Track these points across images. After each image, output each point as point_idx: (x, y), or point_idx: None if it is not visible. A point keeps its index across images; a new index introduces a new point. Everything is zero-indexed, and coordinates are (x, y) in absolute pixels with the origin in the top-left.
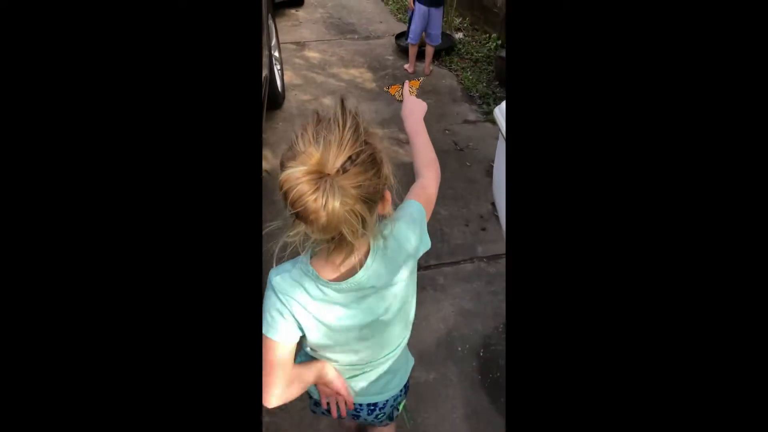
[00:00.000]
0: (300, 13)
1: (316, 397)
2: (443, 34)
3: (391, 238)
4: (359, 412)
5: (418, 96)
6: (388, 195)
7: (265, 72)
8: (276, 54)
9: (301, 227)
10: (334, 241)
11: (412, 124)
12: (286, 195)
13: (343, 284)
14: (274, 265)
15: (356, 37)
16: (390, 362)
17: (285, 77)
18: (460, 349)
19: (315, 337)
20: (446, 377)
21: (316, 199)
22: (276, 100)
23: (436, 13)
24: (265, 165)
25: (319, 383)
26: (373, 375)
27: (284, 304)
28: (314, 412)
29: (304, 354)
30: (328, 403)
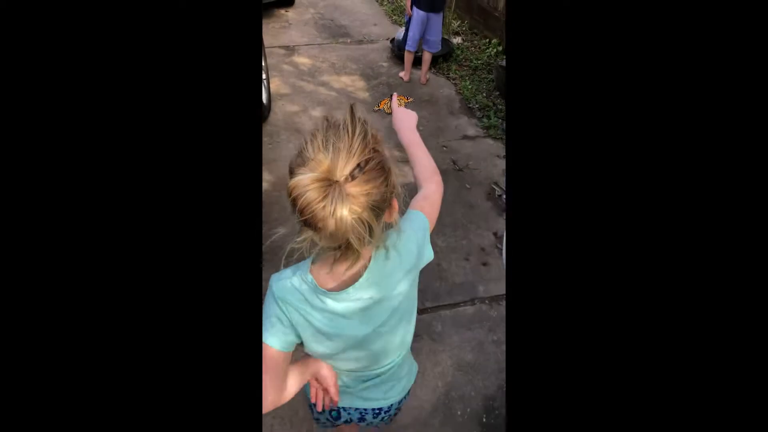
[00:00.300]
0: (289, 14)
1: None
2: (445, 40)
3: (393, 249)
4: (364, 415)
5: (413, 107)
6: (395, 203)
7: None
8: (262, 62)
9: (309, 234)
10: (341, 249)
11: (406, 135)
12: (294, 202)
13: (342, 294)
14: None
15: (349, 41)
16: (393, 370)
17: (272, 85)
18: (459, 413)
19: (313, 346)
20: None
21: (324, 207)
22: (261, 112)
23: (436, 19)
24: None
25: (312, 378)
26: (376, 381)
27: (283, 312)
28: (317, 420)
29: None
30: (324, 410)
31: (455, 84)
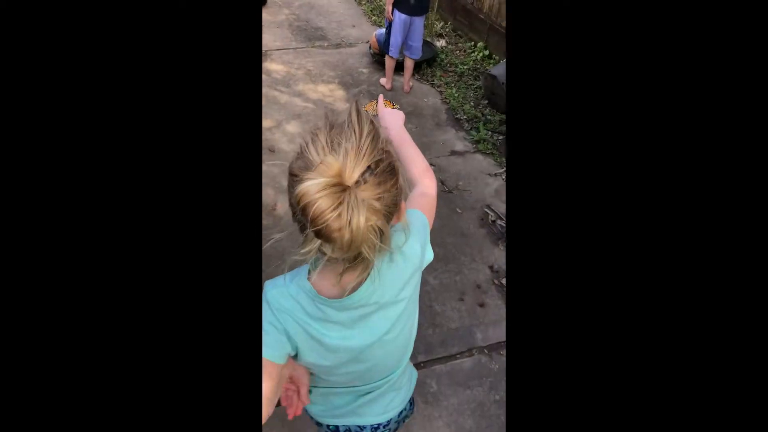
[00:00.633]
0: (263, 14)
1: (320, 420)
2: (424, 42)
3: (398, 252)
4: (363, 431)
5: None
6: (402, 205)
7: None
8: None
9: (315, 244)
10: (350, 259)
11: (396, 134)
12: (304, 210)
13: (345, 301)
14: None
15: (326, 44)
16: (393, 381)
17: None
18: None
19: (311, 358)
20: None
21: (340, 215)
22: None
23: (419, 23)
24: None
25: (285, 381)
26: (375, 395)
27: (279, 321)
28: None
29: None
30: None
31: (440, 92)
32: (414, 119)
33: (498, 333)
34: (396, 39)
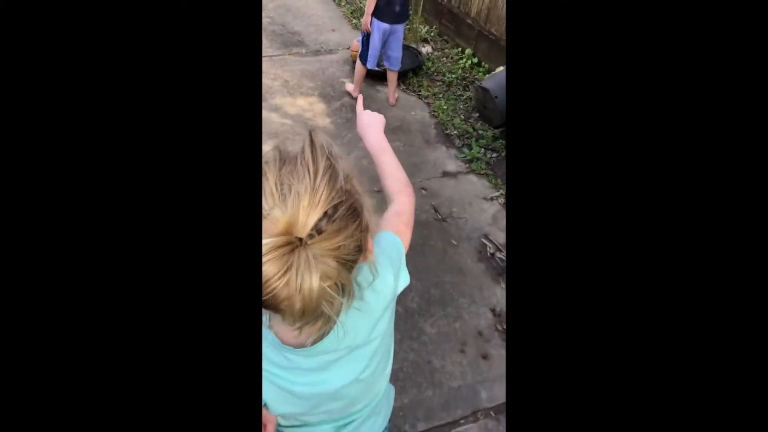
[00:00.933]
0: None
1: None
2: (408, 48)
3: (368, 289)
4: None
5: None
6: (369, 244)
7: None
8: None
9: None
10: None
11: (373, 141)
12: None
13: (311, 350)
14: None
15: (304, 51)
16: (374, 406)
17: None
18: None
19: (284, 409)
20: None
21: (288, 282)
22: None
23: (400, 31)
24: None
25: None
26: (356, 424)
27: None
28: None
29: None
30: None
31: (428, 104)
32: (401, 135)
33: (504, 391)
34: (375, 50)
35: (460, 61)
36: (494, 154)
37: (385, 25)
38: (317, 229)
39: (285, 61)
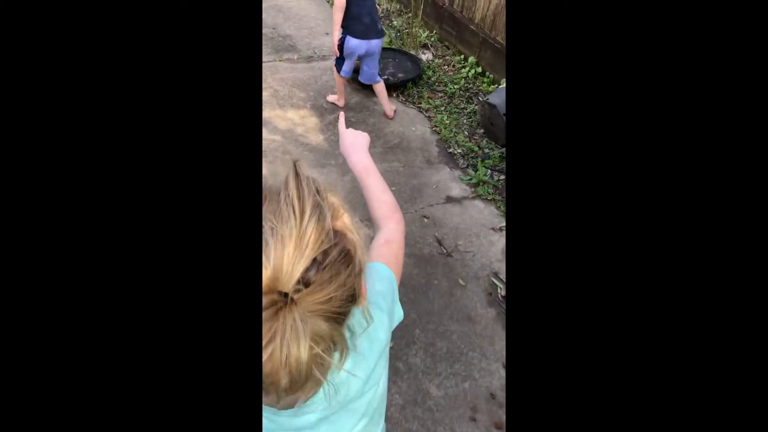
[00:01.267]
0: None
1: None
2: (407, 55)
3: (362, 337)
4: None
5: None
6: (363, 289)
7: None
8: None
9: None
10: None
11: (358, 161)
12: None
13: (300, 409)
14: None
15: (296, 57)
16: None
17: None
18: None
19: None
20: None
21: (271, 355)
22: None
23: (377, 48)
24: None
25: None
26: None
27: None
28: None
29: None
30: None
31: (429, 118)
32: (401, 154)
33: None
34: (349, 68)
35: (463, 70)
36: (502, 177)
37: (356, 42)
38: (305, 281)
39: (275, 68)
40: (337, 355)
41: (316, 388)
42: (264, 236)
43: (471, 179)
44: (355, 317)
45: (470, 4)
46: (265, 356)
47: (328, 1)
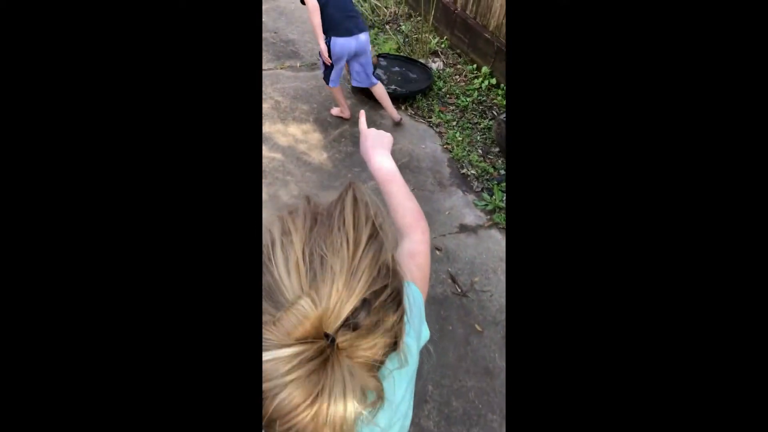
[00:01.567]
0: None
1: None
2: (416, 63)
3: (395, 372)
4: None
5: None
6: (403, 329)
7: None
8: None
9: None
10: None
11: (379, 164)
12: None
13: None
14: None
15: (298, 64)
16: None
17: None
18: None
19: None
20: None
21: (317, 413)
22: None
23: (366, 42)
24: None
25: None
26: None
27: None
28: None
29: None
30: None
31: (440, 134)
32: (410, 175)
33: None
34: (336, 72)
35: (475, 81)
36: None
37: (342, 41)
38: (353, 325)
39: (277, 76)
40: (370, 407)
41: None
42: (312, 266)
43: (486, 205)
44: (391, 363)
45: (484, 11)
46: (308, 416)
47: None
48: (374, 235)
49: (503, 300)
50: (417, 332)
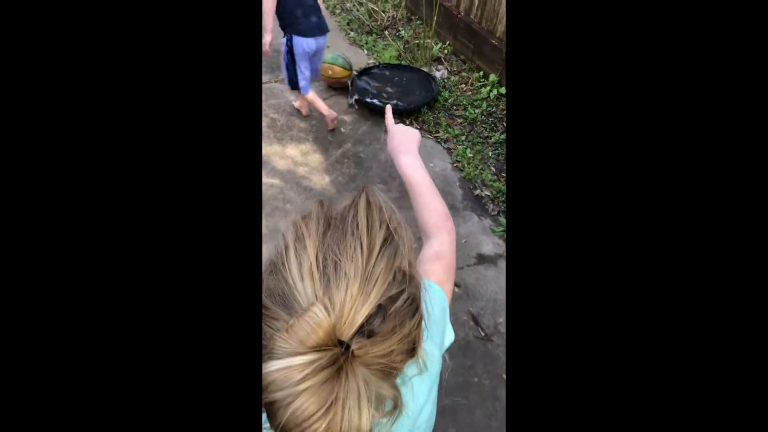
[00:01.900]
0: None
1: None
2: (419, 72)
3: (415, 377)
4: None
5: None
6: (421, 335)
7: None
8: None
9: None
10: None
11: (406, 163)
12: (272, 412)
13: None
14: None
15: None
16: None
17: None
18: None
19: None
20: None
21: (330, 424)
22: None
23: (323, 45)
24: None
25: None
26: None
27: None
28: None
29: None
30: None
31: (449, 150)
32: None
33: None
34: (305, 71)
35: (483, 89)
36: None
37: (308, 41)
38: (368, 332)
39: (271, 91)
40: (388, 415)
41: None
42: (326, 271)
43: (504, 230)
44: (410, 369)
45: (490, 15)
46: (323, 424)
47: (327, 8)
48: (389, 239)
49: None
50: (440, 336)
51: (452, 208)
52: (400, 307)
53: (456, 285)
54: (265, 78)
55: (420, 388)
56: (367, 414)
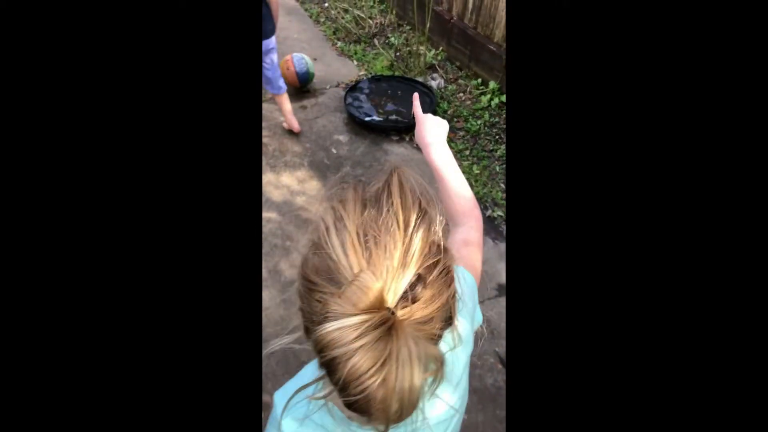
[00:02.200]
0: None
1: None
2: (415, 84)
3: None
4: None
5: None
6: (456, 307)
7: None
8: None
9: (334, 394)
10: None
11: (435, 151)
12: (331, 367)
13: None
14: None
15: None
16: None
17: None
18: None
19: None
20: None
21: (385, 379)
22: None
23: (273, 46)
24: None
25: None
26: None
27: None
28: None
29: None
30: None
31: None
32: None
33: None
34: (272, 72)
35: (483, 98)
36: None
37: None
38: (412, 297)
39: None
40: (430, 379)
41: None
42: (367, 245)
43: None
44: (445, 341)
45: (486, 21)
46: (377, 380)
47: (311, 17)
48: (422, 214)
49: None
50: (470, 314)
51: None
52: (437, 276)
53: None
54: None
55: (457, 361)
56: (419, 371)
